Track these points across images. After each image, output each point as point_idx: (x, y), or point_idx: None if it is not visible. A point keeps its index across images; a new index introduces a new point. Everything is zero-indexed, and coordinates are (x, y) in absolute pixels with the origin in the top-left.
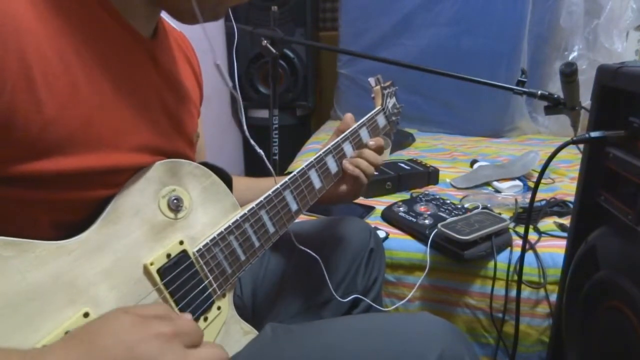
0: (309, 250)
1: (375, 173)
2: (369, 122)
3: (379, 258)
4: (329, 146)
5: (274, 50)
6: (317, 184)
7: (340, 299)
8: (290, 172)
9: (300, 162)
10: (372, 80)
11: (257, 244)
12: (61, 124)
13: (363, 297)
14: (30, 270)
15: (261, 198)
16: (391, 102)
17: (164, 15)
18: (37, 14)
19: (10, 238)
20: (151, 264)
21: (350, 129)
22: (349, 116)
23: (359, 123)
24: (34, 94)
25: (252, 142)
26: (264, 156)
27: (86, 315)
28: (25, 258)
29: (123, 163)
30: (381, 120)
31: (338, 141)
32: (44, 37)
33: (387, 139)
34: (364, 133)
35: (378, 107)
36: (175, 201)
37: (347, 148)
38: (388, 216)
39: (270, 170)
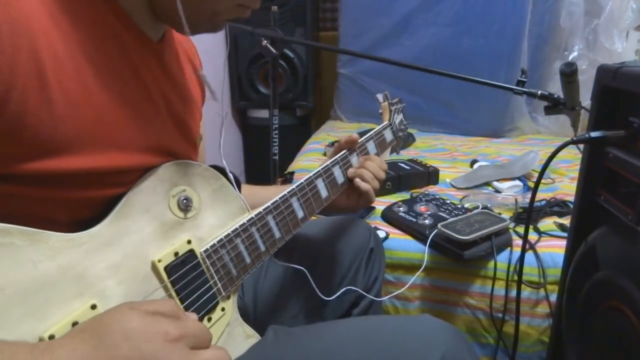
0: (292, 265)
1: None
2: (377, 135)
3: (379, 258)
4: (336, 157)
5: (274, 50)
6: (323, 193)
7: (326, 298)
8: (290, 172)
9: (300, 162)
10: (380, 96)
11: (262, 248)
12: (71, 123)
13: (354, 288)
14: (42, 260)
15: (268, 203)
16: (398, 118)
17: None
18: (48, 14)
19: (25, 227)
20: (159, 261)
21: (358, 142)
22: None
23: (366, 136)
24: (45, 93)
25: None
26: None
27: (93, 307)
28: (37, 248)
29: (131, 163)
30: (388, 135)
31: (345, 152)
32: (56, 37)
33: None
34: (371, 146)
35: (385, 122)
36: (184, 201)
37: (354, 160)
38: (388, 216)
39: None
